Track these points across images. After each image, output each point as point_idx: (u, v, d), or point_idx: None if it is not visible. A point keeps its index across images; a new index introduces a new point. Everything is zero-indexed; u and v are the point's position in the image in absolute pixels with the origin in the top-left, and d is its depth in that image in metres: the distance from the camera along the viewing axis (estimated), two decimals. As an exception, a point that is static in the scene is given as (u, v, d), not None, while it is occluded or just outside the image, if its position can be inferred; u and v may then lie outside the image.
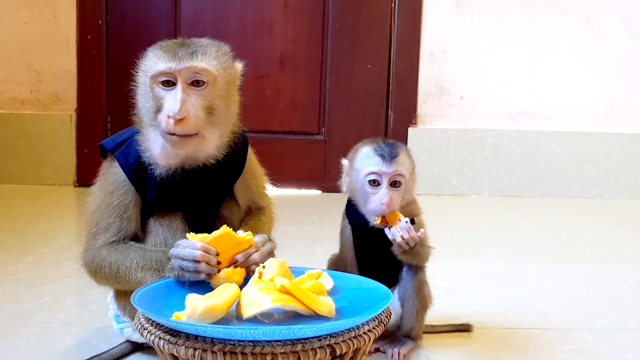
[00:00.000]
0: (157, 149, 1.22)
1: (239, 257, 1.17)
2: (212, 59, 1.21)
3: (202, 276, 1.13)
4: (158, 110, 1.20)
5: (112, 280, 1.24)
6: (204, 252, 1.13)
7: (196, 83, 1.20)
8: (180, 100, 1.17)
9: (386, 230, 1.29)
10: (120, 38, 2.88)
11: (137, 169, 1.25)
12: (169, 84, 1.19)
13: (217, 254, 1.14)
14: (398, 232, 1.28)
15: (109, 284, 1.27)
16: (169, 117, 1.17)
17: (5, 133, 2.86)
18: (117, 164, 1.26)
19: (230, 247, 1.16)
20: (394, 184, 1.31)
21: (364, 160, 1.32)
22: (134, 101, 1.28)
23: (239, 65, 1.28)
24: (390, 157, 1.30)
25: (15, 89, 2.88)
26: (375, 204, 1.30)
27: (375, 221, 1.31)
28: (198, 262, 1.12)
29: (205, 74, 1.19)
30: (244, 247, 1.17)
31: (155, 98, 1.20)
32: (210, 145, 1.22)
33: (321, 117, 2.99)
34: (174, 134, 1.18)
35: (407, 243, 1.28)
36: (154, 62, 1.20)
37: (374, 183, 1.31)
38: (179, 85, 1.18)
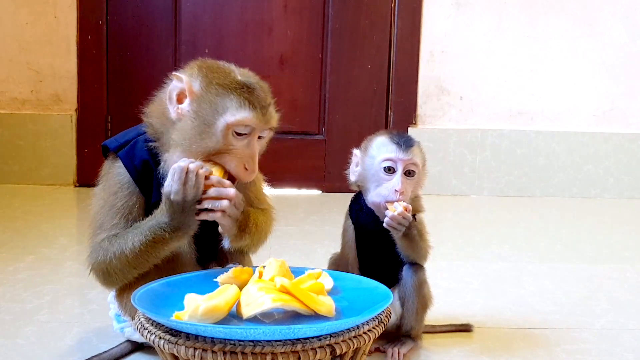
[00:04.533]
0: None
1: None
2: (275, 110, 1.25)
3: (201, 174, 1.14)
4: (221, 151, 1.19)
5: (125, 269, 1.21)
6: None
7: (262, 135, 1.24)
8: (255, 156, 1.21)
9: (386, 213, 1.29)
10: (120, 38, 2.88)
11: (142, 171, 1.24)
12: (243, 133, 1.20)
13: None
14: (392, 210, 1.28)
15: (125, 274, 1.23)
16: (245, 169, 1.20)
17: (6, 133, 2.86)
18: (119, 164, 1.25)
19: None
20: (408, 173, 1.32)
21: (380, 148, 1.33)
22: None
23: None
24: (405, 145, 1.31)
25: (15, 89, 2.88)
26: (388, 190, 1.30)
27: (387, 209, 1.30)
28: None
29: (271, 129, 1.24)
30: None
31: (227, 143, 1.19)
32: None
33: (321, 117, 2.99)
34: None
35: (399, 223, 1.28)
36: (235, 108, 1.18)
37: (389, 170, 1.31)
38: (255, 140, 1.21)
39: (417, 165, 1.32)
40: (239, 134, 1.19)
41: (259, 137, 1.23)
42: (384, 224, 1.29)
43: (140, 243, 1.18)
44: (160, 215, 1.18)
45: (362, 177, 1.36)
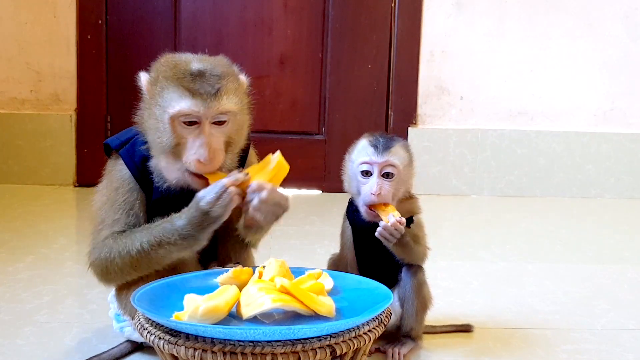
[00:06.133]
0: (171, 174, 1.22)
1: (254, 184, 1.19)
2: (233, 94, 1.20)
3: (236, 199, 1.15)
4: (178, 144, 1.19)
5: (126, 269, 1.21)
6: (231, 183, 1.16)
7: (218, 121, 1.19)
8: (207, 144, 1.17)
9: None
10: (120, 38, 2.87)
11: (142, 168, 1.25)
12: (191, 122, 1.18)
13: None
14: (386, 222, 1.28)
15: (124, 275, 1.23)
16: (199, 161, 1.17)
17: (5, 133, 2.86)
18: (121, 161, 1.26)
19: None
20: (386, 175, 1.31)
21: (359, 151, 1.34)
22: (137, 105, 1.27)
23: (244, 80, 1.27)
24: (383, 147, 1.31)
25: (15, 88, 2.88)
26: (365, 193, 1.31)
27: (366, 213, 1.30)
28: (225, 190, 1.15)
29: (228, 114, 1.20)
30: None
31: (177, 136, 1.18)
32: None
33: (321, 117, 2.99)
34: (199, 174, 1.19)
35: (391, 234, 1.28)
36: (174, 99, 1.17)
37: (366, 174, 1.32)
38: (206, 128, 1.17)
39: (395, 167, 1.31)
40: (188, 124, 1.18)
41: (219, 124, 1.20)
42: (376, 234, 1.28)
43: (149, 244, 1.18)
44: (178, 218, 1.18)
45: (348, 181, 1.36)
